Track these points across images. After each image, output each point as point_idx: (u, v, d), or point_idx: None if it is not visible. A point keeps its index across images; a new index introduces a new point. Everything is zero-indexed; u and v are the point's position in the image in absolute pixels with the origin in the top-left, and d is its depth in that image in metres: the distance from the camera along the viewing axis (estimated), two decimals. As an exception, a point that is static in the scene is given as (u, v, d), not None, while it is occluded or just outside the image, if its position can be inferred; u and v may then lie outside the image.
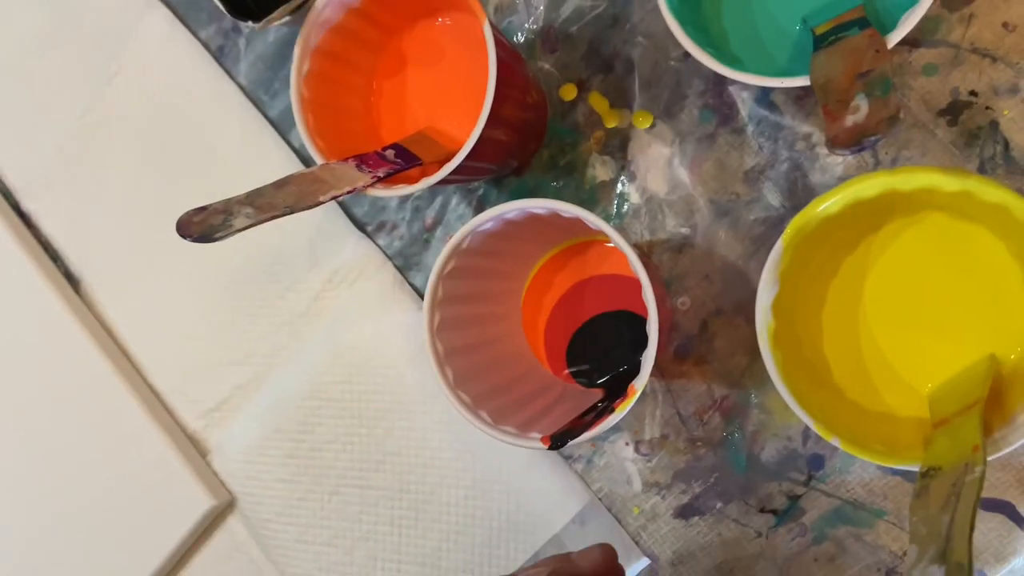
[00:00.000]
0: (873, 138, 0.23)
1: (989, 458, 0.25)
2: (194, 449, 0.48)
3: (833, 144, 0.23)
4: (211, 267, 0.48)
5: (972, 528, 0.21)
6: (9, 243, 0.51)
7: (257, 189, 0.31)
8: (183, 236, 0.29)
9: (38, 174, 0.52)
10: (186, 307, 0.48)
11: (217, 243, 0.46)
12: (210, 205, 0.30)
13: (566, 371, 0.39)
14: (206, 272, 0.48)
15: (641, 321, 0.37)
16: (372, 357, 0.43)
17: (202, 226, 0.29)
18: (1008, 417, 0.26)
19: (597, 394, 0.36)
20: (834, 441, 0.27)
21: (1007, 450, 0.25)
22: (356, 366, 0.44)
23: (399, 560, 0.43)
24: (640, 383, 0.30)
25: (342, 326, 0.44)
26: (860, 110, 0.23)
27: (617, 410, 0.30)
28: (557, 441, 0.30)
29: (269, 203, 0.30)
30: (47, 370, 0.50)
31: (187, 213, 0.29)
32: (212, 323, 0.48)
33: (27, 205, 0.52)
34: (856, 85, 0.24)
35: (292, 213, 0.30)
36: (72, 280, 0.51)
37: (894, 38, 0.26)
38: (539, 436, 0.31)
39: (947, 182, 0.26)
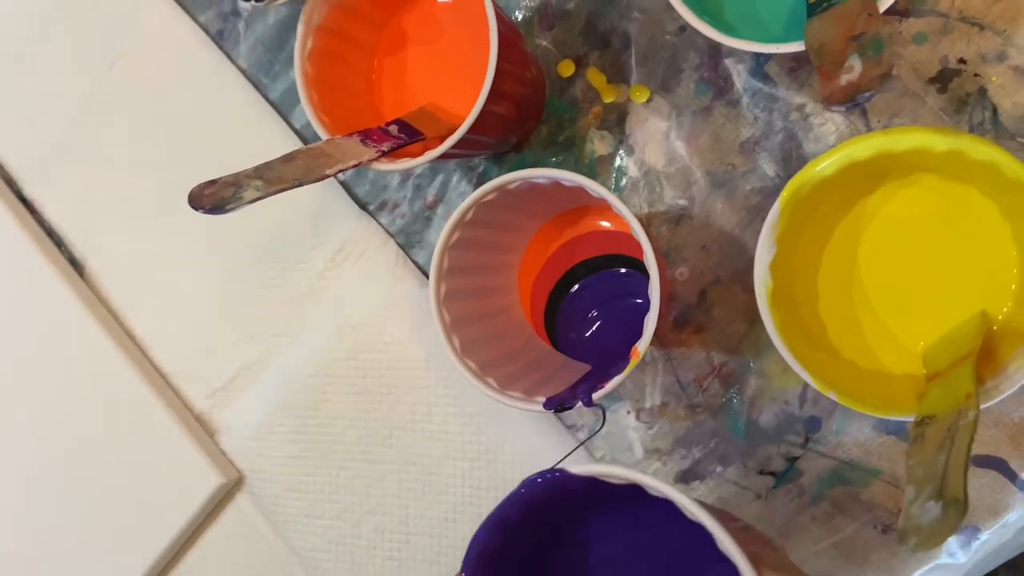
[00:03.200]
0: (867, 94, 0.24)
1: (982, 406, 0.26)
2: (202, 429, 0.48)
3: (829, 101, 0.24)
4: (215, 249, 0.48)
5: (967, 467, 0.22)
6: (13, 230, 0.51)
7: (266, 163, 0.32)
8: (195, 208, 0.29)
9: (40, 161, 0.52)
10: (190, 289, 0.49)
11: (220, 225, 0.46)
12: (220, 178, 0.30)
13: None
14: (210, 254, 0.48)
15: (639, 280, 0.37)
16: (377, 333, 0.44)
17: (213, 198, 0.29)
18: (999, 368, 0.27)
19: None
20: (831, 395, 0.28)
21: (999, 398, 0.26)
22: (361, 342, 0.45)
23: (407, 532, 0.44)
24: (643, 345, 0.31)
25: (346, 303, 0.45)
26: (854, 69, 0.24)
27: (625, 371, 0.31)
28: (568, 402, 0.31)
29: (278, 176, 0.31)
30: (55, 356, 0.50)
31: (198, 186, 0.30)
32: (217, 304, 0.48)
33: (30, 192, 0.53)
34: (850, 47, 0.25)
35: (300, 186, 0.31)
36: (76, 266, 0.51)
37: (885, 2, 0.27)
38: (542, 399, 0.32)
39: (938, 141, 0.27)
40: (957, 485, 0.21)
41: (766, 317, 0.29)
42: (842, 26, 0.26)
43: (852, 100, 0.24)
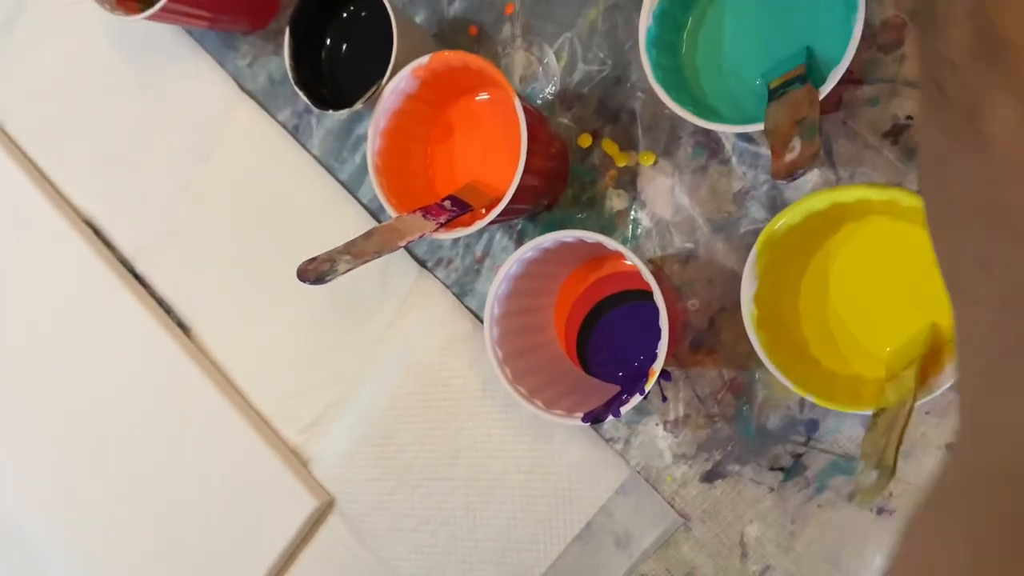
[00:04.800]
0: (801, 171, 0.31)
1: (924, 399, 0.33)
2: (297, 460, 0.57)
3: (775, 176, 0.32)
4: (301, 308, 0.57)
5: (900, 444, 0.29)
6: (129, 300, 0.61)
7: (351, 240, 0.40)
8: (302, 280, 0.38)
9: (148, 242, 0.62)
10: (281, 343, 0.58)
11: (304, 288, 0.55)
12: (318, 256, 0.39)
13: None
14: (297, 313, 0.57)
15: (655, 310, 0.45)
16: (440, 369, 0.52)
17: (315, 272, 0.38)
18: (941, 369, 0.34)
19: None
20: (809, 397, 0.35)
21: (938, 392, 0.33)
22: (427, 378, 0.53)
23: (475, 538, 0.52)
24: (658, 366, 0.38)
25: (413, 346, 0.53)
26: (795, 150, 0.31)
27: (647, 386, 0.38)
28: (601, 415, 0.39)
29: (361, 250, 0.40)
30: (169, 405, 0.60)
31: (303, 263, 0.38)
32: (304, 354, 0.57)
33: (141, 268, 0.62)
34: (795, 129, 0.32)
35: (379, 256, 0.40)
36: (184, 328, 0.61)
37: (824, 91, 0.34)
38: (581, 414, 0.40)
39: (875, 194, 0.34)
40: (890, 457, 0.28)
41: (752, 337, 0.37)
42: (791, 111, 0.33)
43: (792, 175, 0.31)
